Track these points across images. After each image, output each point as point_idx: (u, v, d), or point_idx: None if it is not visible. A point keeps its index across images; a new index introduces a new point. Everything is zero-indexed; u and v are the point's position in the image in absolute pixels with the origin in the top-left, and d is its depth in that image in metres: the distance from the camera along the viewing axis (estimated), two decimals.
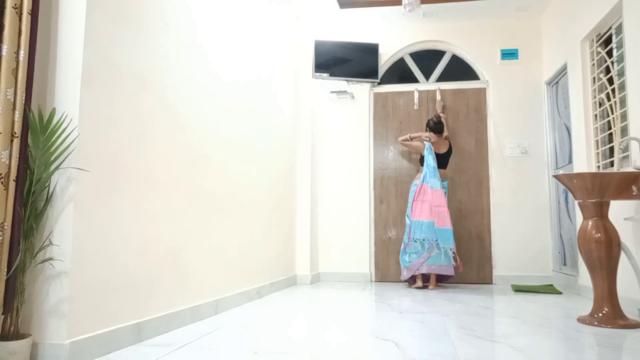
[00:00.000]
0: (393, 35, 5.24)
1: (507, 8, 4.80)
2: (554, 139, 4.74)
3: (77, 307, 1.89)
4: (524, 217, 4.82)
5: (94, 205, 2.00)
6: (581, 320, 2.77)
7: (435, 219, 4.33)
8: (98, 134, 2.03)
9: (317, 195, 5.10)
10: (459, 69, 5.17)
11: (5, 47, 1.76)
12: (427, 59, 5.25)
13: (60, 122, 1.89)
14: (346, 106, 5.23)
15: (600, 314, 2.73)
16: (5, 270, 1.73)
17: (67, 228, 1.88)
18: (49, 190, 1.89)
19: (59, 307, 1.84)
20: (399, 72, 5.27)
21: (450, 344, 2.22)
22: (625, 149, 3.28)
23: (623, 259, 3.20)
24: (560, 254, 4.58)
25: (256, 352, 2.06)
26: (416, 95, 5.10)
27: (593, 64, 3.81)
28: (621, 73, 3.37)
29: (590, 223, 2.82)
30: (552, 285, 4.51)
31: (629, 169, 3.12)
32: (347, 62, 5.11)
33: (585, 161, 3.81)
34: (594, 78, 3.79)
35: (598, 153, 3.72)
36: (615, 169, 3.21)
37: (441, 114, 4.90)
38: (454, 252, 4.33)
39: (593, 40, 3.79)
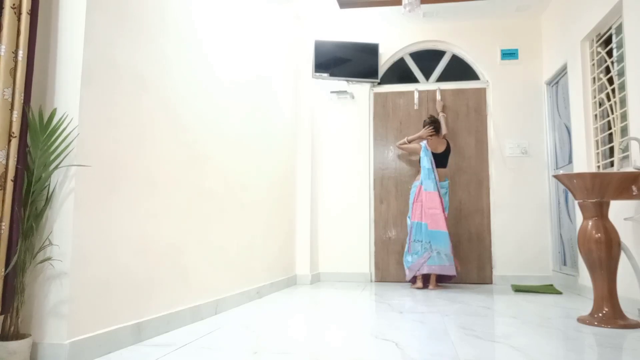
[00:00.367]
0: (393, 35, 5.24)
1: (507, 8, 4.80)
2: (554, 139, 4.74)
3: (77, 307, 1.89)
4: (524, 217, 4.82)
5: (94, 205, 2.00)
6: (581, 320, 2.77)
7: (428, 221, 4.37)
8: (98, 133, 2.03)
9: (317, 195, 5.10)
10: (459, 69, 5.17)
11: (3, 47, 1.75)
12: (427, 59, 5.25)
13: (61, 122, 1.89)
14: (346, 106, 5.23)
15: (600, 314, 2.73)
16: (3, 270, 1.73)
17: (67, 228, 1.88)
18: (49, 190, 1.89)
19: (59, 307, 1.84)
20: (399, 72, 5.27)
21: (450, 344, 2.22)
22: (625, 149, 3.28)
23: (623, 259, 3.20)
24: (560, 254, 4.58)
25: (256, 352, 2.06)
26: (416, 95, 5.10)
27: (593, 64, 3.81)
28: (621, 73, 3.37)
29: (590, 223, 2.82)
30: (552, 285, 4.51)
31: (629, 169, 3.12)
32: (347, 62, 5.11)
33: (585, 161, 3.81)
34: (594, 78, 3.79)
35: (598, 153, 3.72)
36: (615, 169, 3.21)
37: (442, 114, 4.90)
38: (451, 255, 4.34)
39: (593, 40, 3.79)
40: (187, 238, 2.72)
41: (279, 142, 4.32)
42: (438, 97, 5.02)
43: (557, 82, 4.67)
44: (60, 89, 1.95)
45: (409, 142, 4.78)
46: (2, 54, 1.75)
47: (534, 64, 4.96)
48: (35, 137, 1.83)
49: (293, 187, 4.76)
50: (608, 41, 3.63)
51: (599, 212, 2.81)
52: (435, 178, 4.43)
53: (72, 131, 1.91)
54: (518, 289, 4.23)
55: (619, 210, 3.22)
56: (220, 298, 3.05)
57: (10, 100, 1.77)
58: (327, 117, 5.25)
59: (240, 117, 3.48)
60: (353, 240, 5.04)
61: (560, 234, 4.59)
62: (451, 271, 4.32)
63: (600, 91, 3.72)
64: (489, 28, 5.09)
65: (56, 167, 1.88)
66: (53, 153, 1.86)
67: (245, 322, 2.74)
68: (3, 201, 1.73)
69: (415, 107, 5.11)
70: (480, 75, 5.10)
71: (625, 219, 3.07)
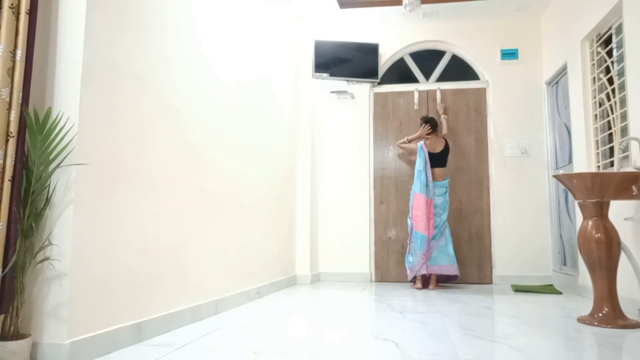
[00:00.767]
0: (393, 35, 5.24)
1: (507, 8, 4.80)
2: (554, 139, 4.74)
3: (77, 307, 1.89)
4: (524, 217, 4.82)
5: (93, 205, 1.99)
6: (581, 320, 2.77)
7: (415, 221, 4.41)
8: (98, 133, 2.03)
9: (317, 195, 5.10)
10: (459, 69, 5.17)
11: (0, 47, 1.75)
12: (427, 59, 5.25)
13: (57, 121, 1.89)
14: (346, 106, 5.23)
15: (600, 314, 2.72)
16: (1, 269, 1.73)
17: (67, 228, 1.87)
18: (48, 190, 1.89)
19: (58, 307, 1.84)
20: (399, 72, 5.27)
21: (450, 344, 2.22)
22: (625, 149, 3.28)
23: (623, 259, 3.20)
24: (560, 254, 4.58)
25: (256, 352, 2.06)
26: (416, 95, 5.10)
27: (593, 64, 3.81)
28: (621, 73, 3.37)
29: (590, 223, 2.82)
30: (552, 285, 4.51)
31: (629, 169, 3.11)
32: (347, 62, 5.11)
33: (585, 161, 3.81)
34: (594, 78, 3.78)
35: (598, 153, 3.72)
36: (615, 169, 3.21)
37: (444, 116, 4.88)
38: (452, 255, 4.36)
39: (593, 40, 3.79)
40: (187, 238, 2.72)
41: (279, 142, 4.32)
42: (438, 99, 5.01)
43: (557, 82, 4.67)
44: (60, 88, 1.95)
45: (409, 141, 4.78)
46: (0, 53, 1.75)
47: (534, 64, 4.96)
48: (33, 136, 1.83)
49: (293, 187, 4.76)
50: (608, 41, 3.63)
51: (599, 212, 2.81)
52: (425, 179, 4.43)
53: (69, 130, 1.91)
54: (518, 289, 4.22)
55: (619, 210, 3.22)
56: (220, 298, 3.05)
57: (8, 100, 1.77)
58: (327, 117, 5.24)
59: (241, 117, 3.48)
60: (353, 240, 5.04)
61: (560, 234, 4.59)
62: (452, 271, 4.33)
63: (600, 91, 3.72)
64: (489, 28, 5.09)
65: (56, 167, 1.88)
66: (52, 153, 1.85)
67: (245, 322, 2.74)
68: (0, 201, 1.73)
69: (415, 107, 5.11)
70: (480, 75, 5.10)
71: (625, 219, 3.07)
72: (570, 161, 4.30)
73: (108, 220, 2.08)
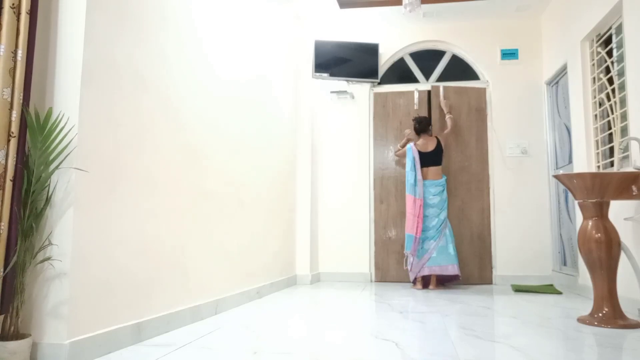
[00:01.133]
0: (393, 35, 5.24)
1: (507, 8, 4.80)
2: (554, 139, 4.74)
3: (77, 307, 1.89)
4: (524, 217, 4.82)
5: (94, 205, 1.99)
6: (581, 320, 2.77)
7: (406, 221, 4.50)
8: (98, 133, 2.03)
9: (317, 195, 5.10)
10: (459, 69, 5.17)
11: (2, 47, 1.75)
12: (427, 59, 5.25)
13: (57, 121, 1.89)
14: (346, 106, 5.23)
15: (600, 314, 2.72)
16: (2, 269, 1.73)
17: (67, 228, 1.87)
18: (49, 190, 1.89)
19: (58, 307, 1.84)
20: (399, 72, 5.27)
21: (450, 344, 2.22)
22: (625, 149, 3.28)
23: (623, 259, 3.20)
24: (560, 254, 4.58)
25: (256, 352, 2.06)
26: (416, 95, 5.10)
27: (593, 64, 3.81)
28: (621, 73, 3.37)
29: (590, 223, 2.82)
30: (552, 285, 4.51)
31: (629, 169, 3.11)
32: (347, 62, 5.11)
33: (585, 161, 3.81)
34: (594, 78, 3.78)
35: (598, 153, 3.72)
36: (615, 169, 3.21)
37: (448, 115, 4.82)
38: (453, 255, 4.36)
39: (593, 40, 3.79)
40: (187, 238, 2.72)
41: (279, 142, 4.32)
42: (441, 97, 4.97)
43: (557, 82, 4.67)
44: (60, 88, 1.95)
45: (402, 147, 4.78)
46: (2, 53, 1.75)
47: (534, 64, 4.96)
48: (34, 137, 1.83)
49: (293, 187, 4.76)
50: (608, 41, 3.63)
51: (599, 212, 2.81)
52: (414, 179, 4.46)
53: (70, 130, 1.91)
54: (518, 289, 4.22)
55: (619, 210, 3.22)
56: (220, 298, 3.05)
57: (9, 100, 1.77)
58: (327, 117, 5.24)
59: (241, 117, 3.48)
60: (353, 240, 5.04)
61: (560, 234, 4.59)
62: (452, 271, 4.32)
63: (600, 91, 3.72)
64: (489, 28, 5.09)
65: (56, 167, 1.88)
66: (52, 153, 1.85)
67: (245, 322, 2.74)
68: (2, 201, 1.73)
69: (415, 107, 5.11)
70: (480, 75, 5.10)
71: (625, 219, 3.07)
72: (570, 161, 4.30)
73: (108, 220, 2.08)
